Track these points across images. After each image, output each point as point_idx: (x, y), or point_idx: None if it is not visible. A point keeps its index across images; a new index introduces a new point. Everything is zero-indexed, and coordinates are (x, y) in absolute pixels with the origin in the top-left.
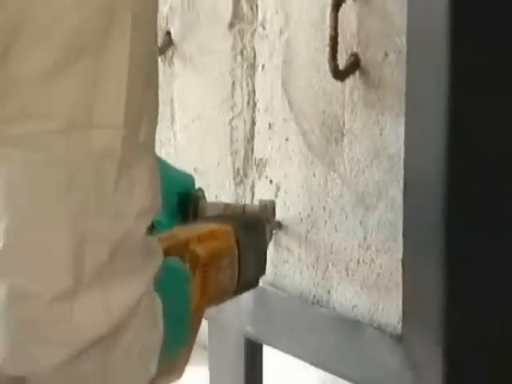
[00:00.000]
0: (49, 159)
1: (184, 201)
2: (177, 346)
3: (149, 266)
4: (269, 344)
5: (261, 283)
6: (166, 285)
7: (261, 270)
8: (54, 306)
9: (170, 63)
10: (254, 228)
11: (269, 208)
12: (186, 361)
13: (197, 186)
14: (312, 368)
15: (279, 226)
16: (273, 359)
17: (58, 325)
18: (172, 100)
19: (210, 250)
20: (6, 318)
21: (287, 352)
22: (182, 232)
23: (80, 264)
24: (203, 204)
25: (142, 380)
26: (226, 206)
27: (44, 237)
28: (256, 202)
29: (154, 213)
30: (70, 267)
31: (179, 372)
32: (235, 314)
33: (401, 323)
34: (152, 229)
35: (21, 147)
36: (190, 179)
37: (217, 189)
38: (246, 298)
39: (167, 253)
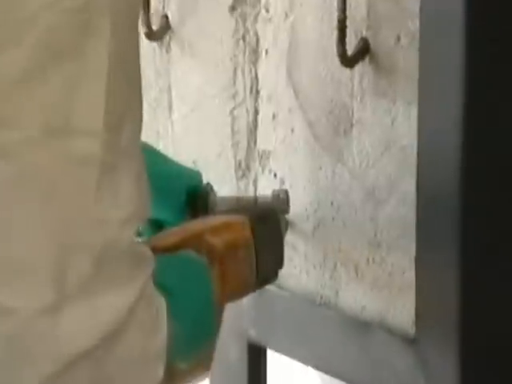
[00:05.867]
0: (24, 169)
1: (193, 197)
2: (200, 340)
3: (139, 272)
4: (273, 348)
5: None
6: (184, 278)
7: (279, 261)
8: (36, 320)
9: (168, 49)
10: (267, 219)
11: (282, 198)
12: (211, 356)
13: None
14: (316, 372)
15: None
16: (277, 364)
17: (41, 340)
18: (169, 88)
19: (226, 241)
20: None
21: (292, 356)
22: (195, 224)
23: (62, 277)
24: (213, 199)
25: None
26: (239, 199)
27: (22, 250)
28: (268, 193)
29: (141, 219)
30: (51, 280)
31: (205, 367)
32: (237, 316)
33: (414, 326)
34: (161, 228)
35: None
36: (197, 175)
37: (218, 183)
38: (248, 299)
39: (181, 245)
